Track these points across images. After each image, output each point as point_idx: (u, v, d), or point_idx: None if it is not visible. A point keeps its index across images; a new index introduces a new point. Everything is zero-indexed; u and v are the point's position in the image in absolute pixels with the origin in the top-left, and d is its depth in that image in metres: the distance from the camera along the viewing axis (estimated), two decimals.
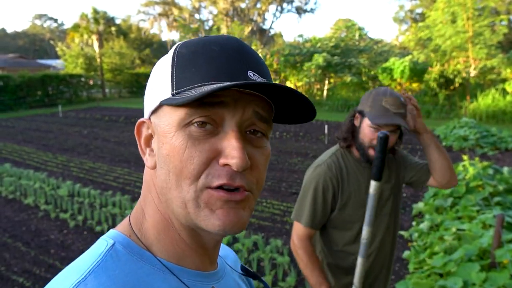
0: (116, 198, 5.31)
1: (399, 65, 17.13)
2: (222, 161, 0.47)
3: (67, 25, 75.00)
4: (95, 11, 27.24)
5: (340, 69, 18.87)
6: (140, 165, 7.58)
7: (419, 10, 35.49)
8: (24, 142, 10.36)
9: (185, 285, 0.51)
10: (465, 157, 6.14)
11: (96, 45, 26.83)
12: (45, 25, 67.20)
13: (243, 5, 40.66)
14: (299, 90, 15.60)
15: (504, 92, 14.54)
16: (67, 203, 5.30)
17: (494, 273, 2.87)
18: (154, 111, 0.52)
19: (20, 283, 3.48)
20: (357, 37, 22.16)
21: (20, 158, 8.36)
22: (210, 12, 43.57)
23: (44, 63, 33.82)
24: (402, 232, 4.32)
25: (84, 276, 0.44)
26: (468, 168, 5.43)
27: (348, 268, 1.61)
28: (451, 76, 15.34)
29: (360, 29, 22.35)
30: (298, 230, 1.60)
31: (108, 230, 0.70)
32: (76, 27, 27.52)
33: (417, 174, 1.66)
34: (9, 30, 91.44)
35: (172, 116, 0.49)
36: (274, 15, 49.02)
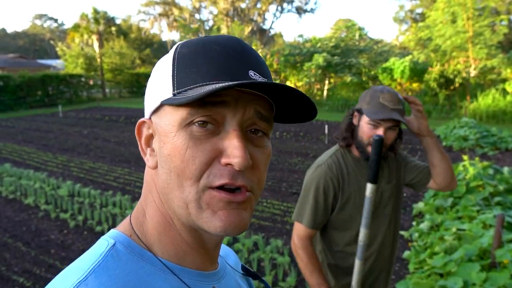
0: (116, 198, 5.31)
1: (399, 65, 17.13)
2: (224, 160, 0.47)
3: (67, 25, 75.12)
4: (96, 11, 27.24)
5: (340, 69, 18.87)
6: (141, 165, 7.58)
7: (419, 10, 35.51)
8: (24, 142, 10.36)
9: (186, 285, 0.51)
10: (465, 157, 6.14)
11: (96, 45, 26.83)
12: (45, 25, 67.25)
13: (243, 5, 40.67)
14: (299, 90, 15.57)
15: (504, 92, 14.53)
16: (67, 203, 5.30)
17: (494, 273, 2.87)
18: (155, 111, 0.52)
19: (21, 283, 3.49)
20: (357, 37, 22.16)
21: (20, 158, 8.36)
22: (211, 12, 43.63)
23: (44, 63, 33.83)
24: (402, 232, 4.32)
25: (85, 276, 0.44)
26: (468, 168, 5.43)
27: (348, 268, 1.61)
28: (451, 76, 15.34)
29: (360, 29, 22.35)
30: (299, 230, 1.60)
31: (108, 230, 0.70)
32: (76, 27, 27.51)
33: (418, 177, 1.66)
34: (9, 30, 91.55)
35: (174, 116, 0.49)
36: (274, 15, 49.07)
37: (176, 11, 42.85)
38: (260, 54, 0.58)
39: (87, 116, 15.68)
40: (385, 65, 18.04)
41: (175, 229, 0.52)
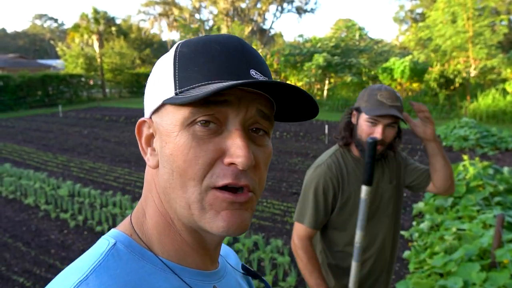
0: (116, 198, 5.31)
1: (399, 65, 17.14)
2: (227, 160, 0.47)
3: (67, 25, 75.14)
4: (96, 11, 27.24)
5: (340, 69, 18.88)
6: (141, 165, 7.58)
7: (419, 10, 35.52)
8: (24, 142, 10.36)
9: (186, 284, 0.51)
10: (465, 157, 6.14)
11: (96, 45, 26.83)
12: (45, 25, 67.26)
13: (243, 5, 40.68)
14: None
15: (504, 92, 14.54)
16: (68, 203, 5.30)
17: (494, 273, 2.87)
18: (155, 110, 0.52)
19: (21, 283, 3.49)
20: (357, 37, 22.16)
21: (20, 158, 8.36)
22: (211, 12, 43.63)
23: (44, 63, 33.83)
24: (402, 232, 4.32)
25: (86, 275, 0.44)
26: (469, 168, 5.43)
27: (348, 268, 1.61)
28: (451, 76, 15.34)
29: (360, 29, 22.35)
30: (299, 230, 1.60)
31: (108, 230, 0.70)
32: (76, 27, 27.52)
33: (418, 179, 1.66)
34: (9, 30, 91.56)
35: (176, 115, 0.49)
36: (274, 15, 49.09)
37: (176, 11, 42.86)
38: (260, 54, 0.58)
39: (87, 116, 15.68)
40: (385, 65, 18.05)
41: (175, 229, 0.52)
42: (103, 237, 0.52)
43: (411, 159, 1.75)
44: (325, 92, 19.58)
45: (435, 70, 16.22)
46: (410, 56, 18.23)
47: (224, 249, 0.68)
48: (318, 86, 20.17)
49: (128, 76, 26.46)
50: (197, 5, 41.69)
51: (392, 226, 1.66)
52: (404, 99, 16.22)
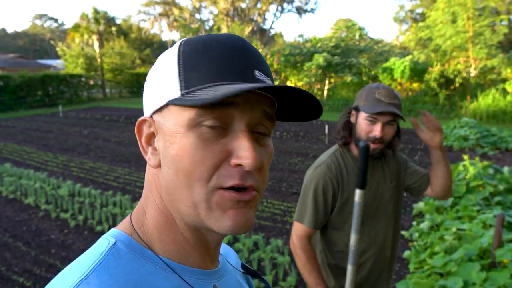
0: (116, 198, 5.32)
1: (399, 65, 17.14)
2: (234, 161, 0.47)
3: (68, 25, 75.17)
4: (96, 11, 27.24)
5: (340, 69, 18.87)
6: (141, 165, 7.58)
7: (419, 10, 35.50)
8: (25, 142, 10.36)
9: (187, 283, 0.51)
10: (465, 157, 6.14)
11: (96, 45, 26.83)
12: (45, 25, 67.27)
13: (243, 5, 40.67)
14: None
15: (505, 92, 14.53)
16: (68, 203, 5.30)
17: (494, 273, 2.87)
18: (158, 110, 0.51)
19: (21, 283, 3.49)
20: (357, 37, 22.15)
21: (20, 158, 8.36)
22: (211, 12, 43.62)
23: (45, 63, 33.83)
24: (402, 232, 4.32)
25: (86, 275, 0.44)
26: (469, 168, 5.43)
27: None
28: (452, 76, 15.34)
29: (360, 29, 22.34)
30: (298, 230, 1.60)
31: (108, 230, 0.70)
32: (76, 27, 27.51)
33: (418, 182, 1.66)
34: (9, 30, 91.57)
35: (181, 116, 0.48)
36: (275, 15, 49.10)
37: (176, 11, 42.85)
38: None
39: (87, 116, 15.68)
40: (385, 65, 18.05)
41: (177, 228, 0.52)
42: (103, 236, 0.52)
43: (411, 161, 1.75)
44: (325, 92, 19.57)
45: (435, 70, 16.21)
46: (410, 56, 18.23)
47: (224, 248, 0.68)
48: (318, 86, 20.17)
49: (128, 76, 26.47)
50: (197, 5, 41.69)
51: (392, 226, 1.66)
52: (404, 99, 16.23)
